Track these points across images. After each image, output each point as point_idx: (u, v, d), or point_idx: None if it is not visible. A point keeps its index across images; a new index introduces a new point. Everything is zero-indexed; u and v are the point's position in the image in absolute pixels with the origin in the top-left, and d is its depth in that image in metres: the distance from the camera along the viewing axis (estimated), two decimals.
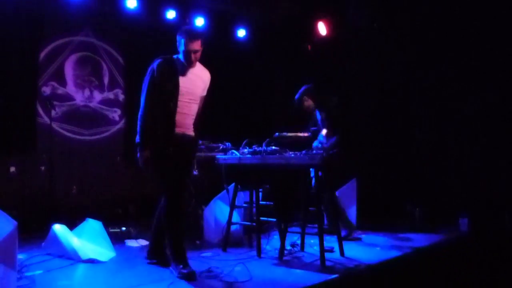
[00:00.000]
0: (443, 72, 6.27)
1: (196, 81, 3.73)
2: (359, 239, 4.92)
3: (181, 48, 3.60)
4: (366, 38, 6.77)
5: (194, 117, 3.75)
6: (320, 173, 4.12)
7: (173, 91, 3.53)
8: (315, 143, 5.04)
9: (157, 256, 3.85)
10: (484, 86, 5.96)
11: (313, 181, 4.62)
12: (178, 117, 3.56)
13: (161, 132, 3.51)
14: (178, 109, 3.55)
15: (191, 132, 3.74)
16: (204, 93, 3.87)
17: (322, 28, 7.17)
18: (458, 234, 5.38)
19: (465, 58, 6.07)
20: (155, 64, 3.56)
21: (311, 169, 4.48)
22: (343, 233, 4.90)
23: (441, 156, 6.31)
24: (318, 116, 5.22)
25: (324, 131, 5.03)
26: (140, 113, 3.53)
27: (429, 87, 6.41)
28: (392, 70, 6.66)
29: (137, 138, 3.51)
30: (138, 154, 3.50)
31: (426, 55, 6.43)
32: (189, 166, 3.85)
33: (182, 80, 3.59)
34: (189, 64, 3.62)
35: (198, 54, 3.64)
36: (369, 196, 5.23)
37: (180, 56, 3.65)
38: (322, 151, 4.71)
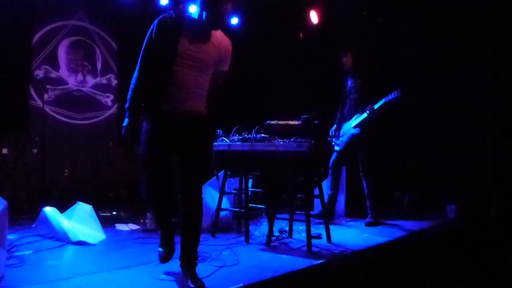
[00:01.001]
0: (431, 54, 6.30)
1: (209, 47, 3.00)
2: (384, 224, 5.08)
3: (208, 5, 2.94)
4: (355, 25, 6.80)
5: (200, 91, 3.02)
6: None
7: (169, 52, 2.86)
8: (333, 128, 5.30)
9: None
10: (473, 72, 6.01)
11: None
12: (171, 88, 2.89)
13: (145, 103, 2.96)
14: (174, 77, 2.88)
15: (192, 108, 2.98)
16: (223, 67, 3.18)
17: (313, 16, 7.18)
18: (446, 220, 5.47)
19: (455, 42, 6.10)
20: (156, 20, 2.99)
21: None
22: (370, 219, 5.11)
23: (429, 143, 6.37)
24: (350, 83, 5.28)
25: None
26: (134, 75, 2.98)
27: (418, 72, 6.44)
28: (380, 57, 6.69)
29: (126, 104, 2.98)
30: (125, 122, 2.97)
31: (415, 38, 6.46)
32: (189, 154, 2.97)
33: (185, 42, 2.90)
34: (214, 24, 2.98)
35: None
36: (358, 184, 5.29)
37: (195, 14, 3.04)
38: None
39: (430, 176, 6.23)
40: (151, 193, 3.05)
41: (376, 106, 5.00)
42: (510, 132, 5.73)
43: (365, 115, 5.07)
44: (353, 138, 5.17)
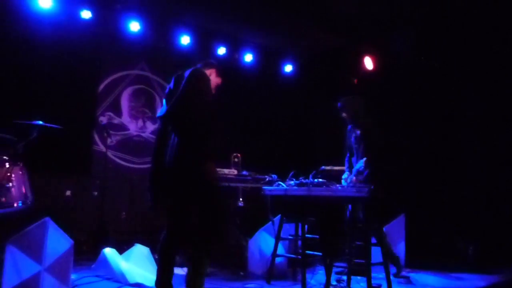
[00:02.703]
0: (493, 102, 6.10)
1: None
2: (407, 278, 4.75)
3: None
4: (412, 70, 6.74)
5: None
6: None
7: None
8: (345, 175, 4.84)
9: None
10: None
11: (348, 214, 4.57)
12: None
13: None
14: None
15: None
16: None
17: (368, 63, 7.21)
18: None
19: None
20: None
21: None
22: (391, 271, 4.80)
23: (494, 191, 6.05)
24: (352, 135, 5.02)
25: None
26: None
27: (479, 117, 6.24)
28: (439, 102, 6.56)
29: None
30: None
31: (474, 85, 6.31)
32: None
33: None
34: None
35: None
36: (418, 233, 5.06)
37: None
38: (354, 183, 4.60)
39: (496, 226, 5.87)
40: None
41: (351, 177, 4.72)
42: None
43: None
44: None
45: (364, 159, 4.52)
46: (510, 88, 5.96)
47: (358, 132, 4.77)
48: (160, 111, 3.29)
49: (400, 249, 5.17)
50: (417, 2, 6.09)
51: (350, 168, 5.01)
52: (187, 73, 3.17)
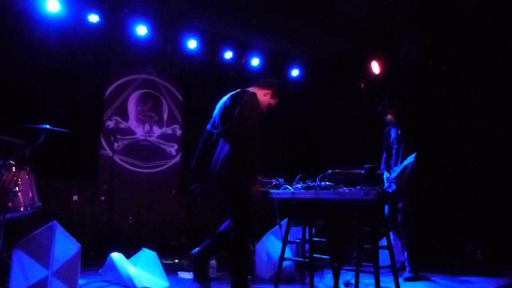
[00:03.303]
0: (500, 107, 6.04)
1: None
2: (427, 279, 4.71)
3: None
4: (419, 75, 6.71)
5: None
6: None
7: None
8: (385, 175, 4.94)
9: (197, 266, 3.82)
10: None
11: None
12: None
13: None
14: None
15: None
16: None
17: (375, 67, 7.19)
18: None
19: None
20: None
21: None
22: (409, 274, 4.80)
23: (503, 192, 5.98)
24: (394, 134, 5.15)
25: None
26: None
27: (486, 121, 6.18)
28: (446, 106, 6.52)
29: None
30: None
31: (480, 89, 6.26)
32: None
33: None
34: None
35: None
36: (427, 235, 5.01)
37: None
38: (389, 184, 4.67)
39: (505, 229, 5.80)
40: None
41: (393, 175, 4.78)
42: None
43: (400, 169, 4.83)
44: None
45: (415, 154, 4.61)
46: None
47: (400, 131, 5.02)
48: (211, 123, 3.78)
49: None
50: (425, 7, 6.06)
51: (388, 169, 5.17)
52: (246, 95, 3.68)
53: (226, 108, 3.65)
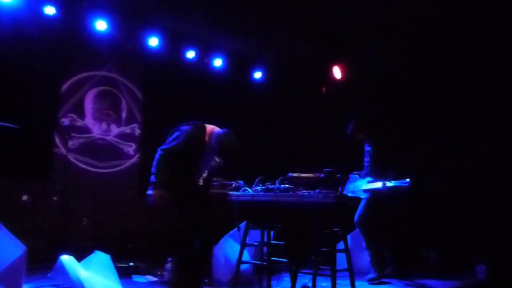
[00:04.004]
0: (462, 113, 6.23)
1: None
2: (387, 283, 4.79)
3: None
4: (380, 81, 6.83)
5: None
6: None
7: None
8: (350, 187, 5.04)
9: None
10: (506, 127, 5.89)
11: None
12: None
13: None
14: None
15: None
16: None
17: (337, 72, 7.28)
18: (475, 281, 5.17)
19: (484, 101, 6.03)
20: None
21: None
22: (371, 276, 4.87)
23: (458, 200, 6.17)
24: (366, 147, 5.27)
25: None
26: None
27: (446, 128, 6.35)
28: (406, 112, 6.67)
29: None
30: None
31: (442, 95, 6.43)
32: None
33: None
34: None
35: None
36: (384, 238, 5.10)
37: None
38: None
39: (458, 234, 5.98)
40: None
41: (381, 187, 4.86)
42: None
43: (376, 186, 4.91)
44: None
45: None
46: (473, 97, 6.11)
47: (373, 145, 5.14)
48: None
49: (364, 256, 5.18)
50: (388, 14, 6.17)
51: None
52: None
53: None
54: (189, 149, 3.82)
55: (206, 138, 3.91)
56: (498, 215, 5.78)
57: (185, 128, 3.87)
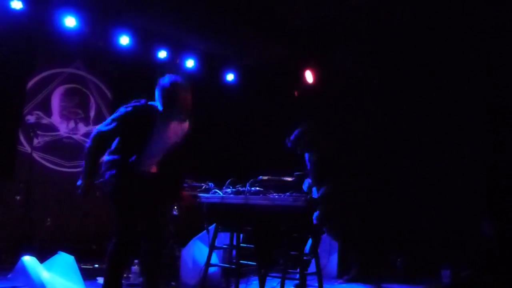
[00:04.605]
0: (427, 117, 6.37)
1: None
2: None
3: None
4: (351, 85, 6.93)
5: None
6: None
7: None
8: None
9: None
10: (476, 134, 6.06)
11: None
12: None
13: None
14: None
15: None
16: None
17: (309, 76, 7.35)
18: (440, 286, 5.29)
19: (452, 104, 6.19)
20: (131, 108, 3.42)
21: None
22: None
23: (424, 206, 6.30)
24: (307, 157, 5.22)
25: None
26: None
27: (414, 131, 6.49)
28: (376, 117, 6.79)
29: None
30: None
31: (413, 102, 6.57)
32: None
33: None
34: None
35: None
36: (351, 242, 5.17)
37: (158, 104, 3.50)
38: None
39: (424, 239, 6.10)
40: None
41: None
42: (506, 194, 5.70)
43: None
44: None
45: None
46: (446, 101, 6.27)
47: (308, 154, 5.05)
48: None
49: (332, 260, 5.23)
50: (361, 21, 6.27)
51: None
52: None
53: None
54: (129, 131, 3.35)
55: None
56: (463, 219, 5.94)
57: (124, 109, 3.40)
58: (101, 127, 3.39)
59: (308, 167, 5.15)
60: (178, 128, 3.61)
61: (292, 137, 5.13)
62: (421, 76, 6.46)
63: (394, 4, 5.96)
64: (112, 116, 3.39)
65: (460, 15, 5.76)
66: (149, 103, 3.49)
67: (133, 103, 3.43)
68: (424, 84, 6.44)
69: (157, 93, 3.48)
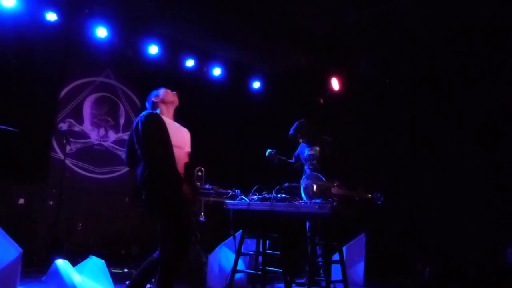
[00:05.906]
0: (451, 125, 6.29)
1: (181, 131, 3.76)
2: None
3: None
4: (377, 93, 6.90)
5: None
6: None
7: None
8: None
9: None
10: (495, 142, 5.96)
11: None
12: None
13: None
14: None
15: None
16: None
17: (335, 83, 7.33)
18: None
19: (477, 112, 6.09)
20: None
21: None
22: None
23: (450, 214, 6.20)
24: (307, 152, 5.17)
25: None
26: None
27: (443, 140, 6.41)
28: (402, 125, 6.73)
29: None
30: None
31: (437, 108, 6.50)
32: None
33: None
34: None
35: None
36: (378, 252, 5.10)
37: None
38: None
39: (453, 248, 6.00)
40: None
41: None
42: None
43: None
44: None
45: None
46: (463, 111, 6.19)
47: (318, 148, 5.02)
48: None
49: (359, 268, 5.19)
50: (383, 28, 6.25)
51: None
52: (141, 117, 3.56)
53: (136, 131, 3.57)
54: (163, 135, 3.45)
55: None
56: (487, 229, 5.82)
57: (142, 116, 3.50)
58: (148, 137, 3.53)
59: (305, 155, 5.09)
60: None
61: (294, 127, 5.26)
62: (448, 83, 6.39)
63: (418, 11, 5.93)
64: (141, 124, 3.52)
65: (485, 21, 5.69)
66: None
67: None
68: (451, 90, 6.37)
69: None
